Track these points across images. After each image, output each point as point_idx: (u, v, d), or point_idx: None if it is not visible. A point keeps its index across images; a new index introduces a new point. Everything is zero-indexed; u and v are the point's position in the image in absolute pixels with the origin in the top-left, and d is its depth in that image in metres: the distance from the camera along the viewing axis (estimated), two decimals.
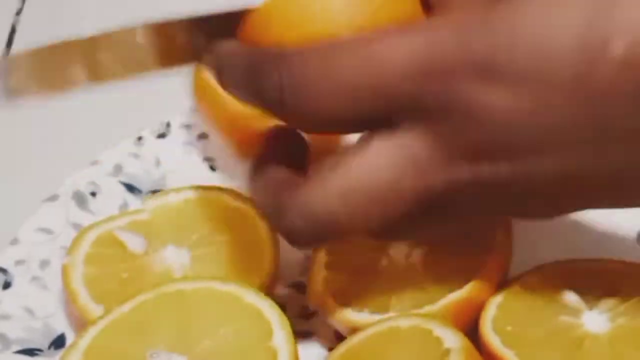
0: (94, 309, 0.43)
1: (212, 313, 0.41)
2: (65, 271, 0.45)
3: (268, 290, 0.44)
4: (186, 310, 0.41)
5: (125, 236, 0.46)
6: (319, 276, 0.45)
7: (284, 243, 0.46)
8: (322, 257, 0.46)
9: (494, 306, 0.42)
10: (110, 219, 0.48)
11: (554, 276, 0.44)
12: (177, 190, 0.49)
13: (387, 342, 0.41)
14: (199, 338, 0.40)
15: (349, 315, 0.43)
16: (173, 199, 0.48)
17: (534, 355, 0.40)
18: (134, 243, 0.46)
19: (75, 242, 0.46)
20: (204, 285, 0.42)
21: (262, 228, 0.46)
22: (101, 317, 0.42)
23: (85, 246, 0.46)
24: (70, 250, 0.46)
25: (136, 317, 0.41)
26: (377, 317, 0.42)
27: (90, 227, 0.47)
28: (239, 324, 0.40)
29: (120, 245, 0.46)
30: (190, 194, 0.48)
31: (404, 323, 0.41)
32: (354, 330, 0.43)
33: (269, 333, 0.40)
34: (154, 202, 0.48)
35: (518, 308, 0.42)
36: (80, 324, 0.44)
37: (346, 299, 0.44)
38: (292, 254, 0.47)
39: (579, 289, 0.43)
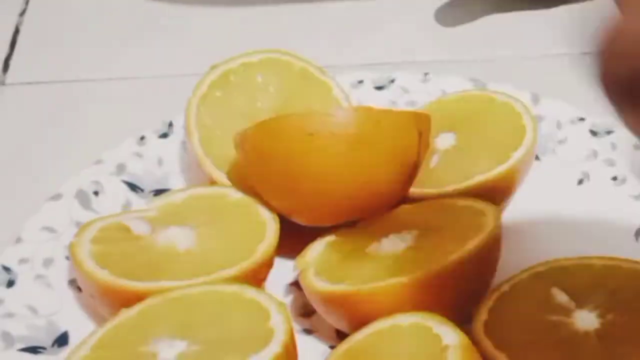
0: (100, 273, 0.44)
1: (214, 307, 0.42)
2: (72, 248, 0.45)
3: (270, 264, 0.45)
4: (190, 307, 0.42)
5: (131, 222, 0.47)
6: (315, 250, 0.46)
7: (285, 240, 0.47)
8: (329, 237, 0.47)
9: (484, 310, 0.43)
10: (117, 214, 0.48)
11: (542, 276, 0.44)
12: (181, 190, 0.50)
13: (387, 340, 0.41)
14: (200, 326, 0.41)
15: (312, 281, 0.44)
16: (178, 197, 0.49)
17: (526, 356, 0.40)
18: (139, 227, 0.46)
19: (83, 228, 0.47)
20: (207, 289, 0.43)
21: (264, 212, 0.47)
22: (108, 320, 0.42)
23: (92, 231, 0.46)
24: (77, 234, 0.46)
25: (143, 317, 0.42)
26: (334, 286, 0.43)
27: (97, 219, 0.47)
28: (239, 313, 0.41)
29: (126, 229, 0.46)
30: (194, 191, 0.49)
31: (405, 321, 0.41)
32: (317, 295, 0.44)
33: (267, 317, 0.41)
34: (160, 201, 0.49)
35: (508, 310, 0.43)
36: (87, 293, 0.45)
37: (324, 272, 0.45)
38: (292, 253, 0.47)
39: (568, 288, 0.43)
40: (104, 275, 0.44)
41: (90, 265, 0.44)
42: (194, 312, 0.42)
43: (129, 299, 0.43)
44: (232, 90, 0.52)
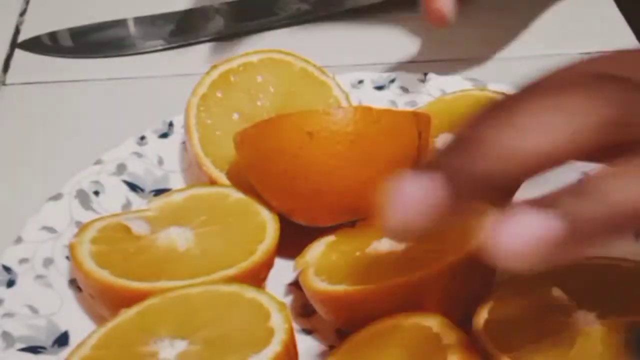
0: (100, 273, 0.44)
1: (214, 307, 0.42)
2: (72, 248, 0.45)
3: (270, 264, 0.46)
4: (190, 307, 0.42)
5: (131, 222, 0.47)
6: (315, 250, 0.47)
7: (285, 240, 0.47)
8: (329, 237, 0.47)
9: (485, 310, 0.43)
10: (117, 214, 0.48)
11: (543, 276, 0.44)
12: (181, 190, 0.50)
13: (388, 339, 0.41)
14: (200, 326, 0.41)
15: (312, 281, 0.44)
16: (177, 197, 0.49)
17: (527, 356, 0.40)
18: (139, 227, 0.46)
19: (83, 228, 0.47)
20: (207, 289, 0.43)
21: (264, 212, 0.47)
22: (108, 320, 0.42)
23: (92, 231, 0.46)
24: (77, 234, 0.46)
25: (143, 317, 0.42)
26: (334, 286, 0.43)
27: (97, 219, 0.47)
28: (239, 313, 0.41)
29: (126, 229, 0.46)
30: (194, 191, 0.49)
31: (405, 321, 0.41)
32: (317, 295, 0.44)
33: (267, 317, 0.41)
34: (159, 202, 0.49)
35: (510, 310, 0.43)
36: (87, 293, 0.45)
37: (324, 272, 0.45)
38: (292, 253, 0.47)
39: (568, 288, 0.43)
40: (104, 275, 0.44)
41: (90, 265, 0.44)
42: (194, 312, 0.42)
43: (129, 299, 0.43)
44: (232, 90, 0.52)
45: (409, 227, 0.33)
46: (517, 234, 0.31)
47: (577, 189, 0.32)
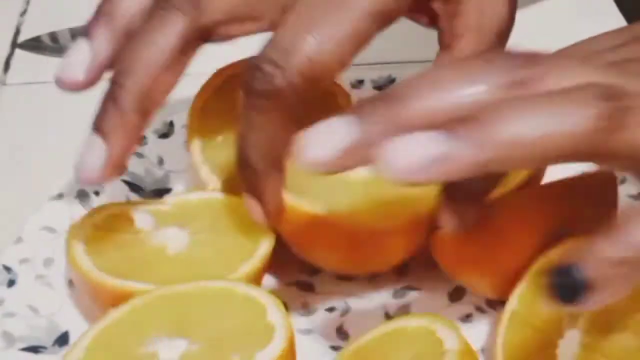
0: (86, 263, 0.44)
1: (209, 305, 0.42)
2: (70, 231, 0.46)
3: (261, 276, 0.45)
4: (184, 306, 0.42)
5: (137, 214, 0.47)
6: None
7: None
8: None
9: (515, 298, 0.42)
10: (132, 202, 0.49)
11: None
12: (201, 192, 0.49)
13: (393, 342, 0.41)
14: (197, 324, 0.41)
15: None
16: (192, 198, 0.48)
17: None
18: (143, 221, 0.46)
19: (90, 213, 0.47)
20: (199, 285, 0.43)
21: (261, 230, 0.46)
22: (101, 318, 0.42)
23: (98, 216, 0.47)
24: (83, 217, 0.47)
25: (136, 315, 0.42)
26: None
27: (107, 205, 0.48)
28: (234, 310, 0.41)
29: (130, 220, 0.46)
30: (211, 196, 0.48)
31: (411, 323, 0.41)
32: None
33: (264, 312, 0.40)
34: (176, 198, 0.48)
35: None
36: (81, 286, 0.45)
37: None
38: (293, 252, 0.47)
39: None
40: (90, 267, 0.44)
41: (78, 252, 0.44)
42: (188, 310, 0.41)
43: (111, 294, 0.43)
44: (235, 96, 0.52)
45: (320, 161, 0.34)
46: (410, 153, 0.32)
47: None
